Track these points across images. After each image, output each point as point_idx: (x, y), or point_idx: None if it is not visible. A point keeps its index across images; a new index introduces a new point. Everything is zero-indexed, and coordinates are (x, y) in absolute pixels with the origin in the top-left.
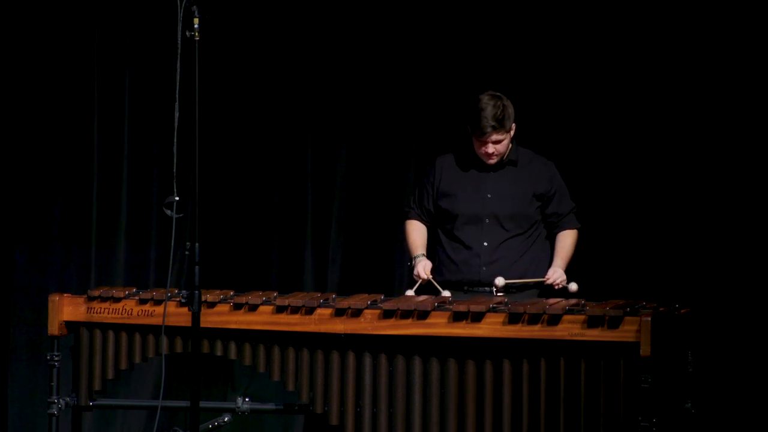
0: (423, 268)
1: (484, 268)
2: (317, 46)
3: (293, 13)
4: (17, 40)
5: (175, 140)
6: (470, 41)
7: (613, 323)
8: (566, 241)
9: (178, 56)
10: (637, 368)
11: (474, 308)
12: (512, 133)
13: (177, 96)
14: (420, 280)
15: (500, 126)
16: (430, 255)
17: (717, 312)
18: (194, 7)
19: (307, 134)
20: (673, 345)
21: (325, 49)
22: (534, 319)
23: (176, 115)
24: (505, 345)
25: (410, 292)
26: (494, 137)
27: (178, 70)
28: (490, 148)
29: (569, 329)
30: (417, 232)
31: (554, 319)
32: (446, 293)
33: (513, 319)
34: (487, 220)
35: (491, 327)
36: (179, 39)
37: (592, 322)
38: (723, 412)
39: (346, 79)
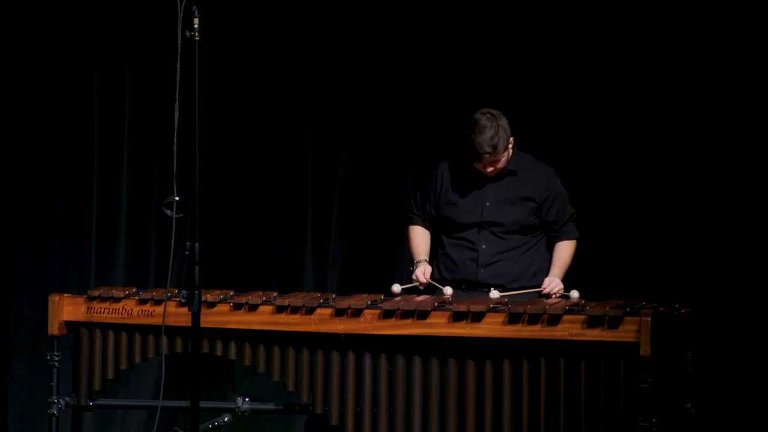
0: (422, 272)
1: (481, 270)
2: (317, 47)
3: (293, 14)
4: (18, 39)
5: (175, 140)
6: (470, 41)
7: (613, 323)
8: (564, 251)
9: (178, 56)
10: (637, 368)
11: (474, 308)
12: (510, 147)
13: (177, 96)
14: (418, 284)
15: (496, 151)
16: (431, 255)
17: (717, 312)
18: (194, 7)
19: (307, 135)
20: (673, 345)
21: (324, 49)
22: (534, 319)
23: (176, 114)
24: (505, 345)
25: (396, 287)
26: (491, 159)
27: (178, 70)
28: (488, 168)
29: (569, 329)
30: (420, 238)
31: (554, 319)
32: (448, 290)
33: (513, 319)
34: (485, 227)
35: (491, 327)
36: (179, 39)
37: (592, 322)
38: (723, 412)
39: (346, 80)
